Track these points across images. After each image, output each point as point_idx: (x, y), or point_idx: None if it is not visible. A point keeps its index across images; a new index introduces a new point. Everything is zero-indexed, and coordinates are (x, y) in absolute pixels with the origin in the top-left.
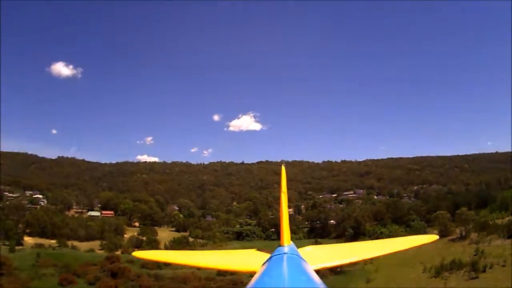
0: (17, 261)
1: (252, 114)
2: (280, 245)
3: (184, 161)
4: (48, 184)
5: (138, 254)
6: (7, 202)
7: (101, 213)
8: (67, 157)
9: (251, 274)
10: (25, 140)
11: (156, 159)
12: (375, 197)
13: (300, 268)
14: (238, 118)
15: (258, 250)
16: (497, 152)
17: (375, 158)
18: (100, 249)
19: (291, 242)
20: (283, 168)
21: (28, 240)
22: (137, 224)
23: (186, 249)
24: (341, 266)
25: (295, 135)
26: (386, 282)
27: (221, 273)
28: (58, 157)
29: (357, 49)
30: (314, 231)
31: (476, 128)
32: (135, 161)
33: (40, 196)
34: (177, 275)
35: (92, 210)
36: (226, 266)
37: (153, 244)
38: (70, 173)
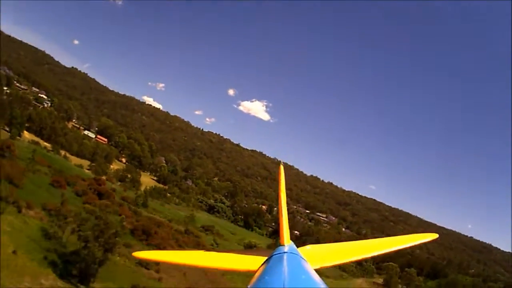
0: (16, 150)
1: (265, 103)
2: (280, 244)
3: (185, 120)
4: (55, 89)
5: (138, 254)
6: (16, 92)
7: (96, 136)
8: (80, 71)
9: (251, 274)
10: (47, 39)
11: (160, 106)
12: (343, 229)
13: (300, 267)
14: (251, 101)
15: (260, 251)
16: (472, 238)
17: (359, 193)
18: (88, 169)
19: (291, 241)
20: (281, 167)
21: (25, 134)
22: (123, 160)
23: (161, 201)
24: None
25: (297, 138)
26: None
27: (187, 231)
28: (72, 67)
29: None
30: (276, 233)
31: (465, 207)
32: (140, 101)
33: (45, 97)
34: (153, 218)
35: (89, 130)
36: (227, 266)
37: (135, 184)
38: (78, 86)
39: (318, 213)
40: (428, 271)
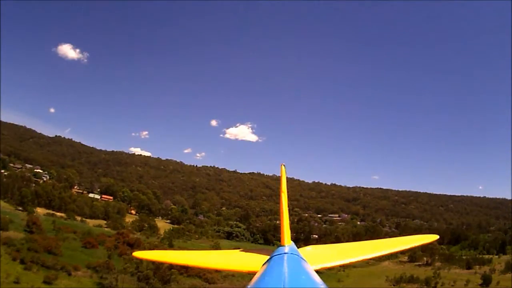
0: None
1: (250, 125)
2: (280, 245)
3: (178, 160)
4: (47, 161)
5: (138, 254)
6: (14, 172)
7: (101, 197)
8: (64, 137)
9: (252, 274)
10: (24, 114)
11: (149, 154)
12: (358, 222)
13: (300, 268)
14: (235, 127)
15: (260, 251)
16: (485, 197)
17: (364, 186)
18: (106, 227)
19: (292, 242)
20: (282, 167)
21: (38, 209)
22: (133, 212)
23: (183, 239)
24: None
25: (289, 151)
26: (354, 284)
27: None
28: (56, 136)
29: (363, 75)
30: (297, 242)
31: (471, 171)
32: (130, 153)
33: (41, 171)
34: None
35: (92, 192)
36: (227, 266)
37: (154, 229)
38: (67, 153)
39: (330, 215)
40: (450, 238)
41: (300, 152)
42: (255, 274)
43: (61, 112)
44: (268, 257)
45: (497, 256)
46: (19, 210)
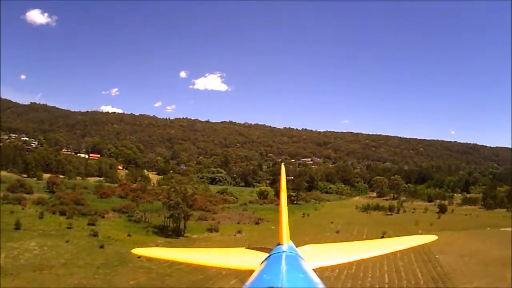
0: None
1: (219, 74)
2: (278, 244)
3: (151, 115)
4: (29, 128)
5: (137, 251)
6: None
7: (88, 156)
8: (39, 103)
9: (250, 272)
10: None
11: (121, 111)
12: (330, 165)
13: (298, 267)
14: (205, 77)
15: (259, 249)
16: (456, 142)
17: (335, 130)
18: (105, 182)
19: (290, 241)
20: (282, 166)
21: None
22: (120, 167)
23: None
24: (297, 202)
25: (259, 99)
26: (328, 211)
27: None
28: (31, 103)
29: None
30: (275, 183)
31: (443, 115)
32: (103, 112)
33: (27, 138)
34: None
35: (79, 152)
36: (225, 264)
37: (147, 180)
38: (44, 119)
39: (303, 159)
40: (416, 178)
41: (270, 98)
42: (253, 273)
43: (32, 78)
44: (266, 255)
45: (460, 195)
46: (24, 177)
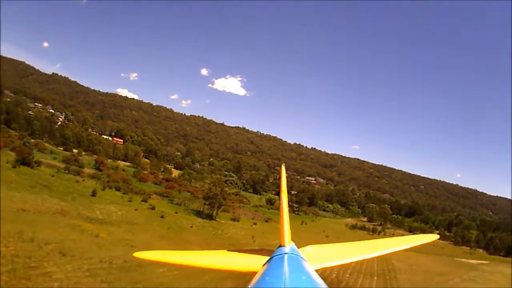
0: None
1: (239, 78)
2: (280, 245)
3: (167, 107)
4: (50, 99)
5: (139, 254)
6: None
7: (112, 139)
8: (60, 75)
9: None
10: (21, 48)
11: (136, 96)
12: (332, 187)
13: (301, 268)
14: (225, 78)
15: (258, 250)
16: (457, 185)
17: (343, 155)
18: (134, 167)
19: (292, 242)
20: (283, 168)
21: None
22: (141, 154)
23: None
24: (298, 212)
25: (275, 109)
26: (322, 224)
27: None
28: (53, 73)
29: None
30: (279, 194)
31: (452, 157)
32: (122, 96)
33: (52, 111)
34: None
35: (104, 134)
36: (228, 267)
37: (168, 172)
38: (65, 92)
39: (308, 177)
40: (406, 212)
41: (286, 111)
42: (255, 274)
43: (54, 46)
44: (268, 257)
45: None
46: (60, 149)
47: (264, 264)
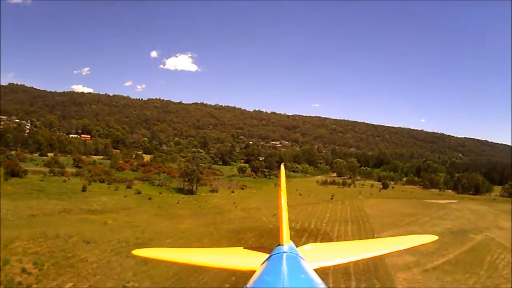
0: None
1: (190, 54)
2: (279, 244)
3: (124, 95)
4: (12, 109)
5: (137, 252)
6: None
7: (80, 136)
8: (17, 84)
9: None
10: None
11: (91, 90)
12: (297, 148)
13: (299, 267)
14: (175, 57)
15: (259, 250)
16: (422, 130)
17: (304, 114)
18: (108, 159)
19: (291, 241)
20: (282, 167)
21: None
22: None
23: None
24: (269, 176)
25: (230, 80)
26: (294, 184)
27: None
28: (9, 83)
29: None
30: (248, 162)
31: (414, 103)
32: (79, 92)
33: (17, 120)
34: None
35: (71, 133)
36: (226, 265)
37: (140, 158)
38: (25, 99)
39: (273, 142)
40: (374, 163)
41: (240, 80)
42: (254, 273)
43: (4, 57)
44: (267, 255)
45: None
46: (36, 155)
47: (262, 263)
